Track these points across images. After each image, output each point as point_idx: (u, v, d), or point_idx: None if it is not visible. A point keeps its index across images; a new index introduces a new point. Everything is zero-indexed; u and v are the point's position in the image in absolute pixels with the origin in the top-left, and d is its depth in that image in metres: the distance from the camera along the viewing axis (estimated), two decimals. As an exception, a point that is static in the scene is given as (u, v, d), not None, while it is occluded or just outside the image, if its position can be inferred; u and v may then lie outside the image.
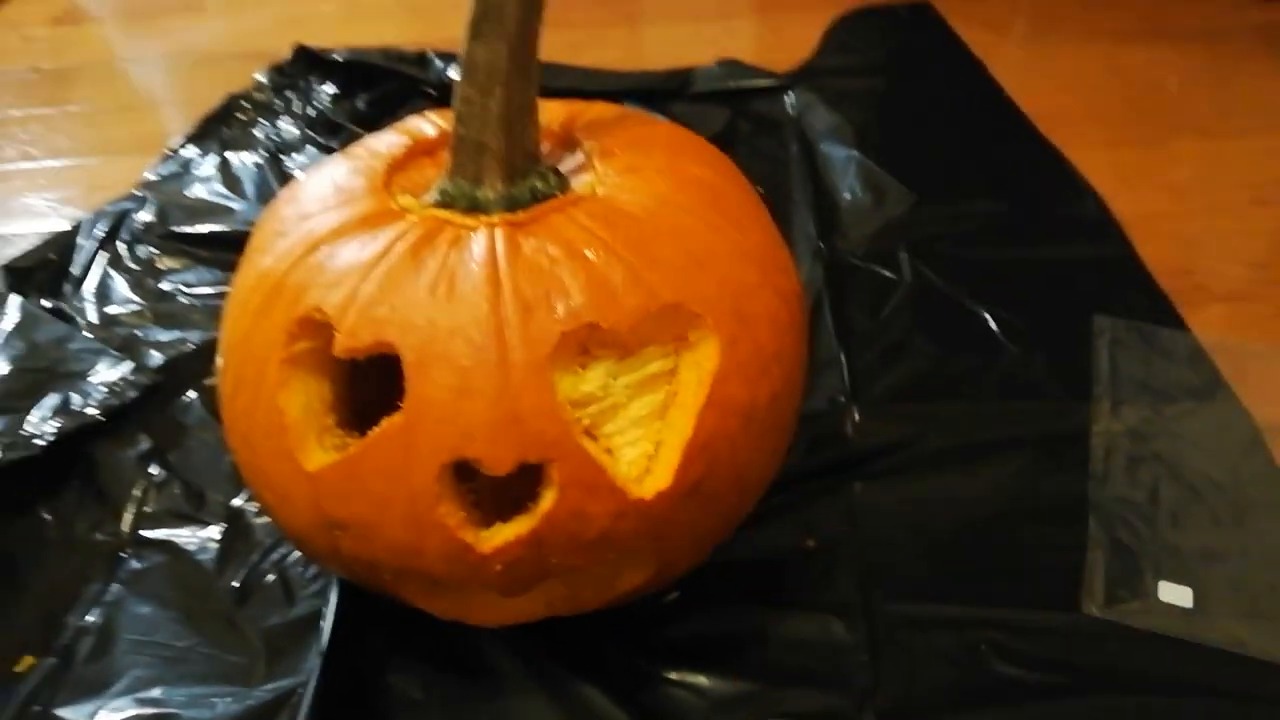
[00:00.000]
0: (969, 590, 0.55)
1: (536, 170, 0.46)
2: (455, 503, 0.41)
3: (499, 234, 0.42)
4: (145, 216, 0.85)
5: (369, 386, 0.45)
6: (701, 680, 0.52)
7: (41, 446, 0.63)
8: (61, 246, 0.82)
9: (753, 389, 0.44)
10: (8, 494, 0.61)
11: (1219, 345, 0.70)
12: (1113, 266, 0.78)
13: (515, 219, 0.43)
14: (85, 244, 0.83)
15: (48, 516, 0.61)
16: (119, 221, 0.85)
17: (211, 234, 0.83)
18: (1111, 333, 0.71)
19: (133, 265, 0.81)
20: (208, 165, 0.92)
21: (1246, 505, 0.60)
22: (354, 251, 0.43)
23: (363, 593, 0.52)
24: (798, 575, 0.57)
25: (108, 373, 0.68)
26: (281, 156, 0.93)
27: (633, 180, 0.45)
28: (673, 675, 0.52)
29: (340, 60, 1.04)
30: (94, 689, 0.52)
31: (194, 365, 0.71)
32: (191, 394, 0.69)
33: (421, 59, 1.05)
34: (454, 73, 1.02)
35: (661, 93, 1.02)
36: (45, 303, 0.76)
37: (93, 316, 0.76)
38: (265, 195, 0.87)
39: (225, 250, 0.81)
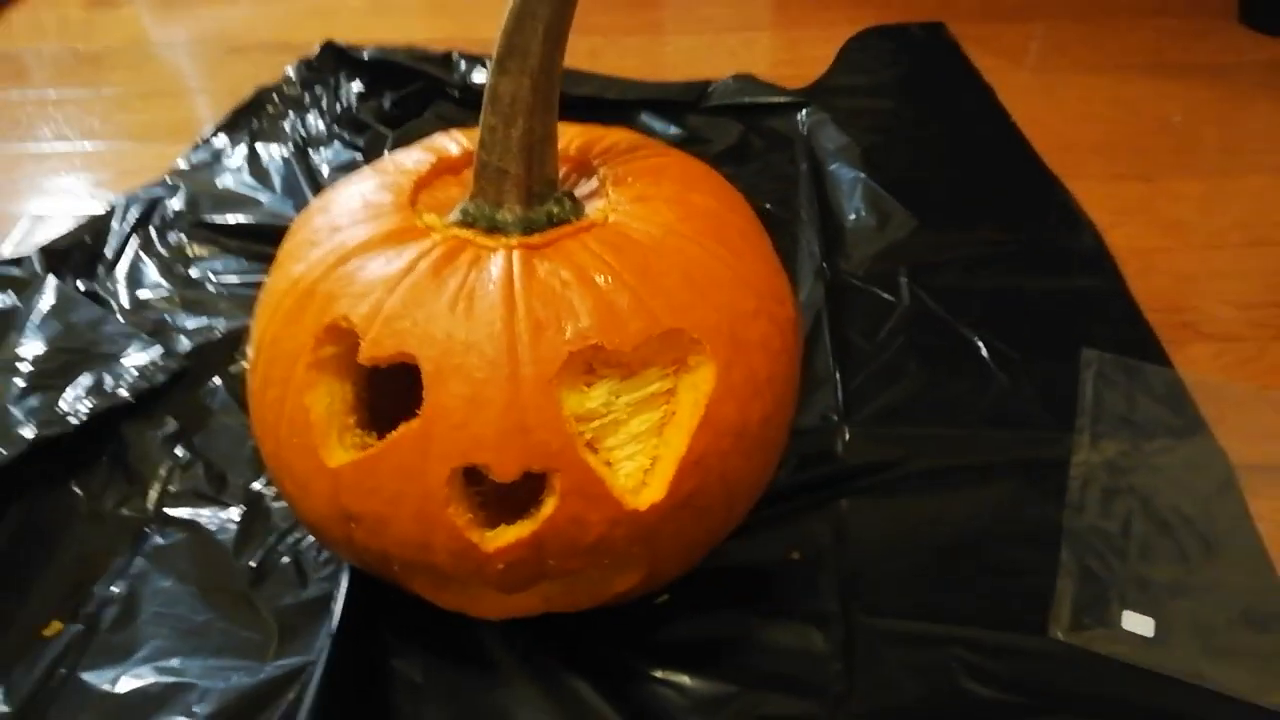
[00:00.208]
0: (943, 608, 0.58)
1: (553, 195, 0.49)
2: (463, 504, 0.44)
3: (516, 256, 0.45)
4: (176, 204, 0.89)
5: (387, 391, 0.48)
6: (685, 680, 0.54)
7: (75, 424, 0.66)
8: (95, 230, 0.86)
9: (745, 410, 0.47)
10: (42, 468, 0.64)
11: (1201, 384, 0.72)
12: (1104, 300, 0.80)
13: (531, 242, 0.46)
14: (118, 228, 0.86)
15: (79, 491, 0.65)
16: (151, 207, 0.88)
17: (239, 224, 0.87)
18: (1098, 366, 0.74)
19: (163, 251, 0.84)
20: (237, 156, 0.95)
21: (1214, 543, 0.61)
22: (381, 265, 0.46)
23: (371, 580, 0.55)
24: (782, 585, 0.59)
25: (138, 356, 0.72)
26: (309, 151, 0.96)
27: (642, 209, 0.48)
28: (659, 674, 0.54)
29: (367, 58, 1.07)
30: (117, 656, 0.55)
31: (220, 352, 0.74)
32: (217, 380, 0.73)
33: (446, 59, 1.08)
34: (477, 74, 1.05)
35: (678, 104, 1.04)
36: (79, 284, 0.79)
37: (124, 300, 0.79)
38: (291, 188, 0.91)
39: (252, 241, 0.84)
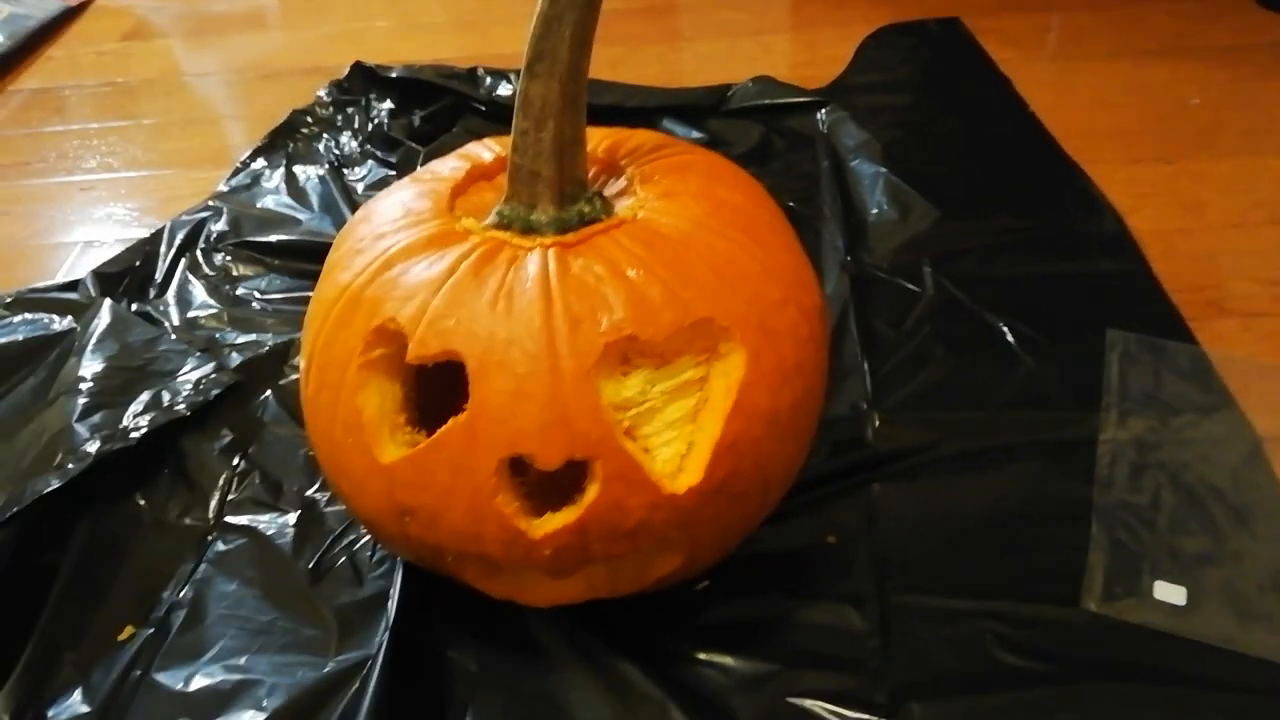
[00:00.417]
0: (976, 585, 0.59)
1: (584, 195, 0.51)
2: (511, 494, 0.47)
3: (551, 254, 0.47)
4: (219, 226, 0.92)
5: (435, 390, 0.51)
6: (728, 660, 0.56)
7: (136, 439, 0.69)
8: (144, 254, 0.89)
9: (776, 397, 0.49)
10: (107, 483, 0.68)
11: (1226, 359, 0.73)
12: (1127, 281, 0.81)
13: (565, 240, 0.48)
14: (165, 251, 0.90)
15: (142, 503, 0.68)
16: (196, 230, 0.92)
17: (280, 243, 0.90)
18: (1123, 346, 0.75)
19: (209, 272, 0.88)
20: (275, 177, 0.99)
21: (1244, 512, 0.62)
22: (424, 269, 0.48)
23: (425, 576, 0.58)
24: (817, 568, 0.61)
25: (193, 372, 0.75)
26: (344, 170, 0.99)
27: (670, 204, 0.50)
28: (702, 655, 0.56)
29: (395, 77, 1.10)
30: (187, 657, 0.58)
31: (269, 366, 0.77)
32: (268, 392, 0.76)
33: (471, 75, 1.11)
34: (503, 89, 1.08)
35: (699, 109, 1.06)
36: (132, 306, 0.83)
37: (175, 319, 0.83)
38: (328, 206, 0.94)
39: (293, 258, 0.87)
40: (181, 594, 0.62)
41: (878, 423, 0.70)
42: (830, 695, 0.54)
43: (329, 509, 0.66)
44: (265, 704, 0.55)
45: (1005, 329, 0.77)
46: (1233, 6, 1.21)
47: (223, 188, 0.99)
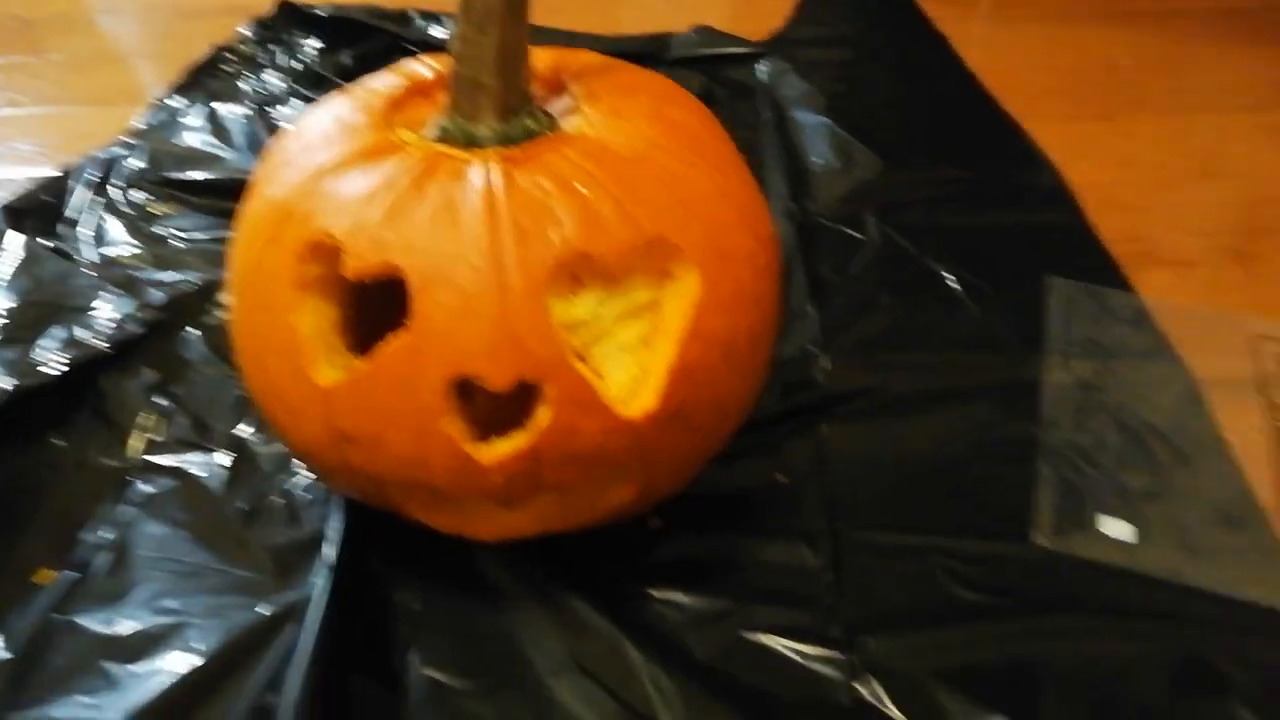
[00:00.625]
0: (927, 522, 0.59)
1: (529, 110, 0.49)
2: (458, 417, 0.44)
3: (495, 168, 0.45)
4: (137, 163, 0.87)
5: (376, 326, 0.48)
6: (681, 597, 0.55)
7: (51, 376, 0.65)
8: (55, 190, 0.84)
9: (732, 323, 0.47)
10: (20, 422, 0.63)
11: (1163, 307, 0.74)
12: (1065, 232, 0.82)
13: (510, 154, 0.46)
14: (78, 188, 0.84)
15: (60, 443, 0.64)
16: (110, 167, 0.86)
17: (203, 181, 0.85)
18: (1063, 293, 0.75)
19: (127, 210, 0.83)
20: (196, 115, 0.94)
21: (1185, 451, 0.64)
22: (360, 180, 0.45)
23: (367, 514, 0.55)
24: (769, 506, 0.61)
25: (111, 308, 0.71)
26: (268, 109, 0.94)
27: (619, 123, 0.48)
28: (655, 593, 0.55)
29: (324, 15, 1.06)
30: (112, 599, 0.55)
31: (194, 304, 0.73)
32: (193, 331, 0.72)
33: (403, 16, 1.07)
34: (435, 30, 1.05)
35: (638, 57, 1.03)
36: (43, 243, 0.78)
37: (91, 257, 0.78)
38: (255, 145, 0.89)
39: (217, 197, 0.83)
40: (104, 536, 0.58)
41: (827, 365, 0.69)
42: (785, 630, 0.54)
43: (262, 449, 0.63)
44: (196, 646, 0.52)
45: (950, 276, 0.77)
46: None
47: (140, 125, 0.93)
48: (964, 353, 0.71)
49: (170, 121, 0.94)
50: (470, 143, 0.47)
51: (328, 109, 0.51)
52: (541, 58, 0.54)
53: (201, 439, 0.64)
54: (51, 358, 0.66)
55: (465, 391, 0.46)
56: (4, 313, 0.70)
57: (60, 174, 0.86)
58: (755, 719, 0.50)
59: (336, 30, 1.04)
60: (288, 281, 0.46)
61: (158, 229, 0.81)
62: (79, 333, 0.69)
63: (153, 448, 0.64)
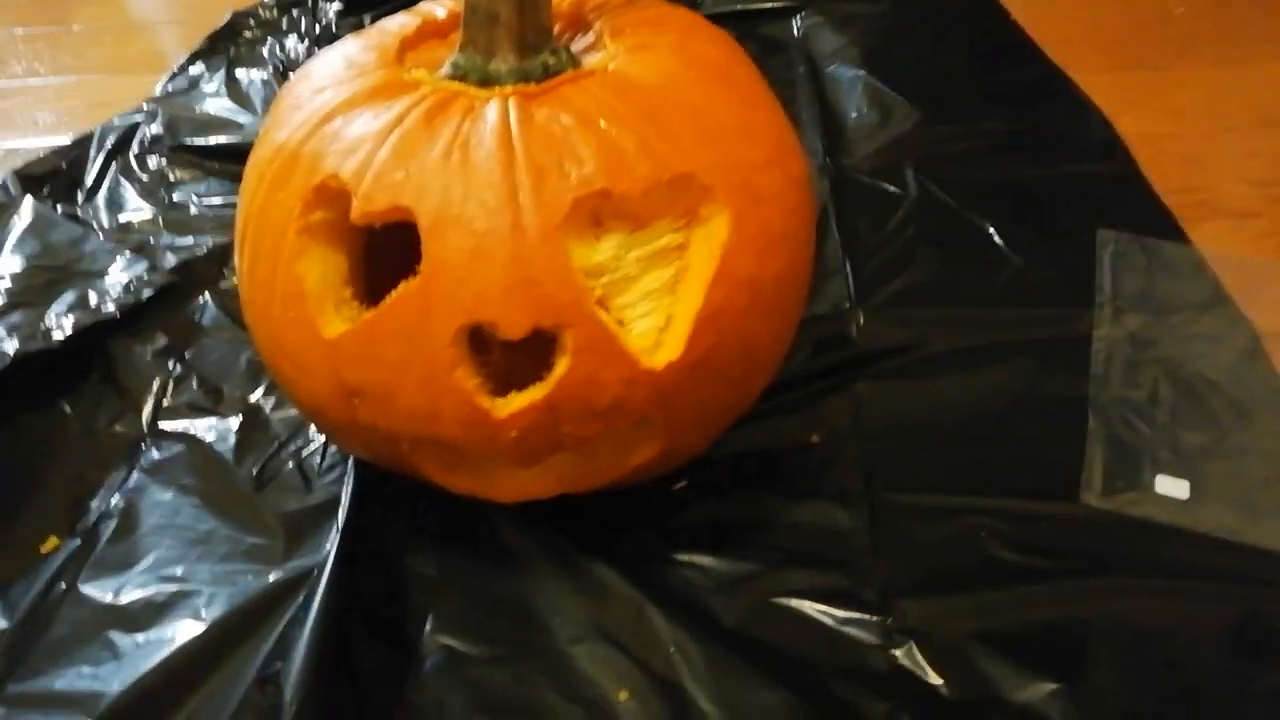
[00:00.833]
0: (969, 482, 0.56)
1: (548, 46, 0.46)
2: (471, 367, 0.42)
3: (512, 103, 0.43)
4: (154, 129, 0.86)
5: (385, 270, 0.46)
6: (708, 561, 0.53)
7: (60, 341, 0.64)
8: (71, 157, 0.83)
9: (761, 265, 0.45)
10: (28, 387, 0.62)
11: (1220, 258, 0.70)
12: (1117, 183, 0.78)
13: (527, 90, 0.43)
14: (95, 155, 0.83)
15: (68, 409, 0.62)
16: (128, 134, 0.85)
17: (221, 146, 0.84)
18: (1115, 245, 0.72)
19: (143, 176, 0.81)
20: (215, 81, 0.93)
21: (1244, 406, 0.60)
22: (368, 120, 0.43)
23: (381, 478, 0.54)
24: (801, 467, 0.58)
25: (123, 272, 0.69)
26: (290, 74, 0.92)
27: (644, 56, 0.46)
28: (680, 556, 0.53)
29: (346, -21, 1.04)
30: (118, 567, 0.54)
31: (208, 269, 0.72)
32: (206, 296, 0.70)
33: (426, -20, 1.05)
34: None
35: (670, 14, 1.01)
36: (58, 208, 0.77)
37: (106, 222, 0.77)
38: (273, 110, 0.88)
39: (235, 162, 0.81)
40: (112, 503, 0.57)
41: (862, 321, 0.66)
42: (818, 594, 0.51)
43: (275, 414, 0.62)
44: (204, 614, 0.51)
45: (992, 230, 0.74)
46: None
47: (158, 92, 0.92)
48: (1007, 308, 0.67)
49: (189, 88, 0.92)
50: (485, 80, 0.45)
51: (338, 50, 0.49)
52: (562, -8, 0.51)
53: (213, 404, 0.63)
54: (63, 323, 0.65)
55: (482, 346, 0.44)
56: (11, 278, 0.69)
57: (77, 140, 0.85)
58: (785, 685, 0.47)
59: (357, -7, 1.02)
60: (294, 228, 0.44)
61: (175, 195, 0.80)
62: (90, 297, 0.68)
63: (163, 413, 0.62)
